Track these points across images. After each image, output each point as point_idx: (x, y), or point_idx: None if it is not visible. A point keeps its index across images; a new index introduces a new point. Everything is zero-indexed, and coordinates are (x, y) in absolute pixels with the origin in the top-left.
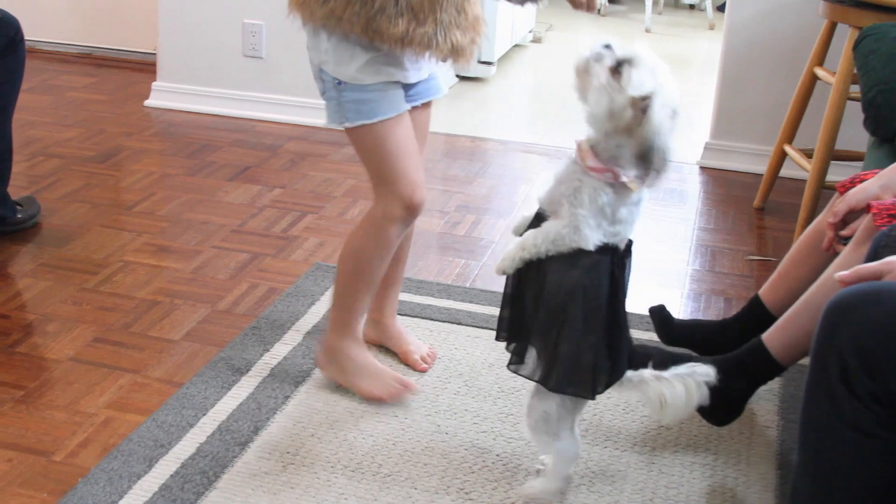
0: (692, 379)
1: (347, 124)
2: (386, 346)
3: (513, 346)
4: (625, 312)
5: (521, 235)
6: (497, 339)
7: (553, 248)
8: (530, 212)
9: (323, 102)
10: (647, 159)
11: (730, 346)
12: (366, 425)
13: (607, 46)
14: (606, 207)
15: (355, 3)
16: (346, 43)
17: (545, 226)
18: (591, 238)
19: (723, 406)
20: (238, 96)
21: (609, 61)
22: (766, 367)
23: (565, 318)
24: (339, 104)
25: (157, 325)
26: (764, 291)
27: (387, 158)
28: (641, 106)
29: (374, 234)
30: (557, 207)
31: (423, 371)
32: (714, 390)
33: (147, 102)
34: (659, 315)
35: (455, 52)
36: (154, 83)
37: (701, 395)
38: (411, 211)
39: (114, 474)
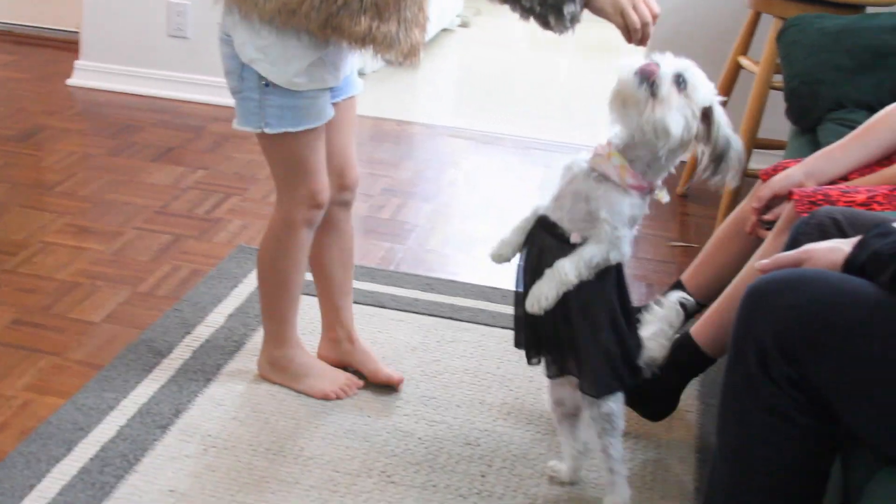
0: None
1: (268, 130)
2: (351, 368)
3: (544, 357)
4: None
5: (502, 255)
6: (526, 354)
7: (593, 272)
8: (509, 235)
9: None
10: (719, 163)
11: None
12: (288, 408)
13: (657, 64)
14: (637, 218)
15: None
16: (293, 41)
17: (584, 253)
18: (629, 251)
19: (656, 401)
20: (162, 76)
21: (668, 79)
22: (696, 360)
23: (595, 323)
24: (259, 107)
25: (77, 307)
26: (686, 277)
27: (297, 164)
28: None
29: (283, 242)
30: (584, 226)
31: (401, 381)
32: (647, 387)
33: (69, 81)
34: None
35: (412, 52)
36: (77, 62)
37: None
38: (317, 211)
39: (32, 458)
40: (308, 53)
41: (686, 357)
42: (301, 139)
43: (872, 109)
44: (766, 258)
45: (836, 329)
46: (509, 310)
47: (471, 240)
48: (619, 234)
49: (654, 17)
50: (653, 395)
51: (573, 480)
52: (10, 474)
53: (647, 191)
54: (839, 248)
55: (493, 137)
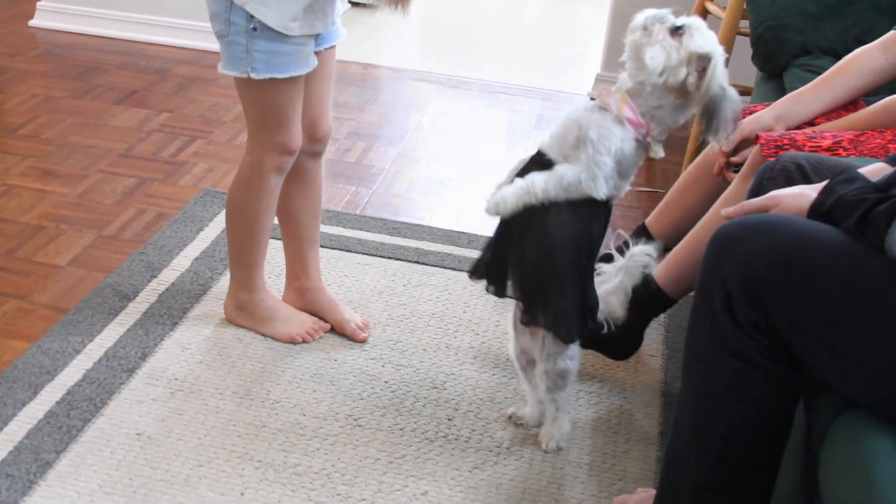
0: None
1: (254, 75)
2: (316, 316)
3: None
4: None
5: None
6: (473, 277)
7: (563, 194)
8: (503, 179)
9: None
10: (713, 115)
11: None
12: (254, 352)
13: (663, 15)
14: (625, 161)
15: None
16: None
17: (558, 170)
18: (604, 188)
19: (620, 341)
20: (126, 18)
21: (668, 23)
22: (657, 300)
23: (570, 268)
24: (246, 51)
25: (42, 251)
26: (650, 220)
27: (275, 111)
28: (699, 66)
29: (252, 186)
30: (570, 152)
31: (363, 341)
32: (609, 328)
33: (32, 22)
34: None
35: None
36: (39, 3)
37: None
38: (288, 157)
39: None
40: None
41: (647, 297)
42: (283, 86)
43: (838, 55)
44: (731, 201)
45: (801, 274)
46: (475, 254)
47: (437, 184)
48: (599, 158)
49: None
50: (615, 336)
51: (539, 423)
52: None
53: (643, 130)
54: (805, 194)
55: (459, 81)
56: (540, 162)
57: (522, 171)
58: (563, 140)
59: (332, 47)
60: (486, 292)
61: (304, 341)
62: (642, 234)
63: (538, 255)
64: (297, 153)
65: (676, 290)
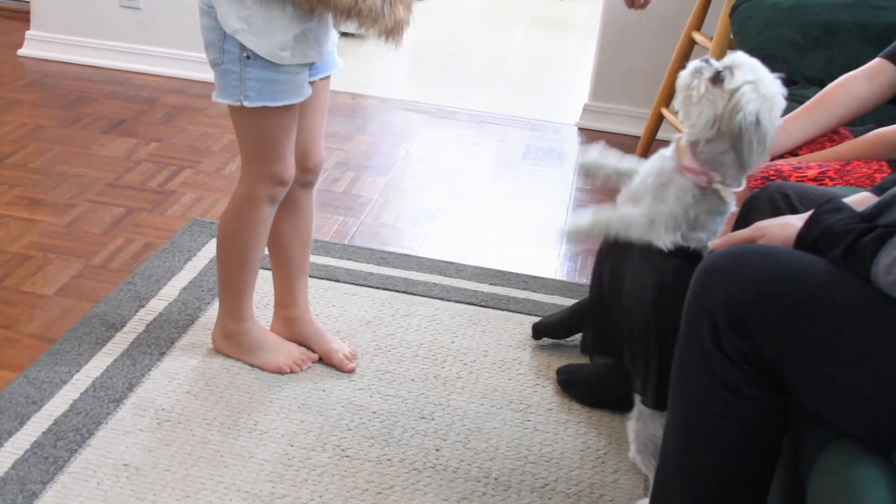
0: None
1: (247, 103)
2: (303, 346)
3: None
4: None
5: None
6: (586, 352)
7: (624, 232)
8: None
9: (200, 54)
10: (740, 145)
11: None
12: (242, 382)
13: (705, 61)
14: (690, 210)
15: None
16: (278, 11)
17: (623, 209)
18: (665, 237)
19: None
20: (114, 47)
21: (707, 73)
22: None
23: (656, 326)
24: (239, 80)
25: (29, 280)
26: None
27: (269, 141)
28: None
29: (245, 216)
30: (638, 199)
31: (351, 371)
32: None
33: (20, 52)
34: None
35: (396, 29)
36: (28, 32)
37: None
38: (281, 188)
39: None
40: (293, 26)
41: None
42: (277, 115)
43: (824, 85)
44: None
45: (787, 304)
46: (463, 284)
47: (425, 213)
48: (658, 208)
49: None
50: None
51: None
52: None
53: (703, 178)
54: (791, 223)
55: (447, 111)
56: None
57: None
58: (635, 190)
59: (327, 77)
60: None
61: (291, 371)
62: None
63: (618, 314)
64: (290, 184)
65: None
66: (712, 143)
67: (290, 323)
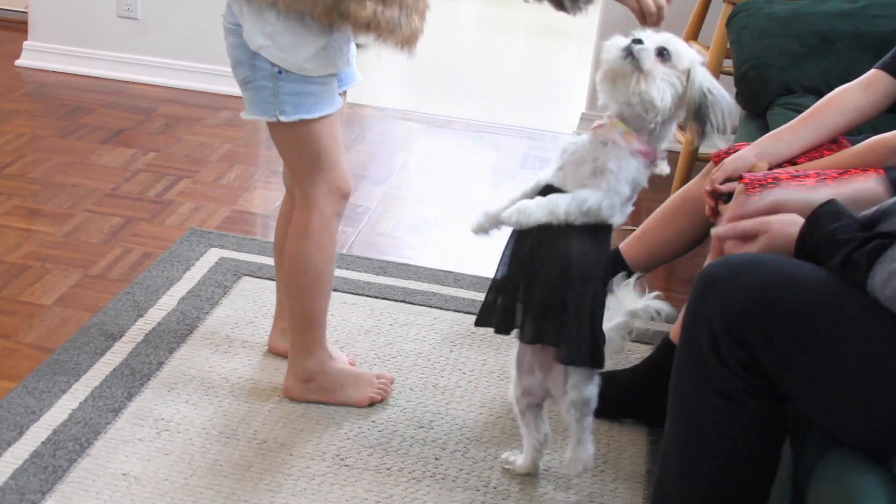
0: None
1: (284, 118)
2: None
3: (524, 324)
4: None
5: (482, 224)
6: (482, 324)
7: (581, 218)
8: (492, 206)
9: (201, 68)
10: (705, 119)
11: None
12: (241, 392)
13: (638, 41)
14: (637, 188)
15: None
16: (299, 26)
17: (580, 194)
18: (620, 215)
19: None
20: (112, 57)
21: (652, 53)
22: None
23: (593, 295)
24: (273, 95)
25: (27, 290)
26: (625, 246)
27: (319, 153)
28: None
29: (317, 240)
30: (588, 181)
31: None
32: (643, 397)
33: (18, 62)
34: None
35: (411, 38)
36: (25, 42)
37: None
38: (345, 201)
39: None
40: (316, 39)
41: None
42: (318, 127)
43: (821, 94)
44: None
45: (785, 313)
46: (462, 293)
47: (423, 223)
48: (619, 187)
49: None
50: (649, 403)
51: (531, 472)
52: None
53: (651, 158)
54: (796, 220)
55: (445, 120)
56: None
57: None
58: (576, 173)
59: (344, 92)
60: (494, 333)
61: (382, 400)
62: (615, 259)
63: (560, 282)
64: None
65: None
66: (629, 121)
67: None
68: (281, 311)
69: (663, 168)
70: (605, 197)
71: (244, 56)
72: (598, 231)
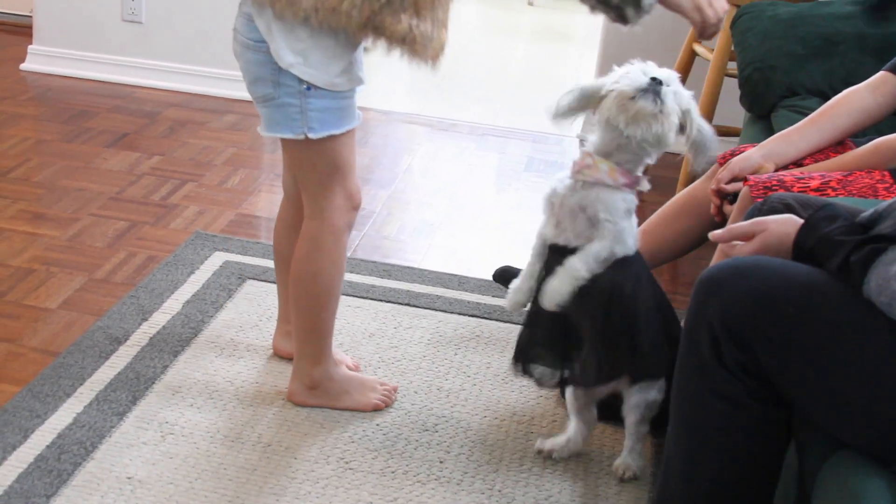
0: None
1: (312, 135)
2: None
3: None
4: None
5: (519, 301)
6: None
7: (604, 265)
8: (520, 282)
9: (207, 73)
10: (702, 151)
11: None
12: (245, 395)
13: (659, 82)
14: (633, 208)
15: None
16: (331, 41)
17: (588, 249)
18: (633, 245)
19: None
20: (117, 61)
21: (672, 96)
22: None
23: (636, 314)
24: (301, 112)
25: (32, 294)
26: None
27: (339, 169)
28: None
29: (330, 252)
30: (589, 233)
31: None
32: None
33: (23, 66)
34: (503, 276)
35: (439, 52)
36: (30, 46)
37: None
38: (356, 213)
39: None
40: (345, 54)
41: None
42: (343, 141)
43: (825, 96)
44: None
45: (786, 316)
46: (466, 296)
47: (427, 226)
48: (619, 227)
49: (725, 12)
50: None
51: (570, 455)
52: None
53: (635, 184)
54: (792, 220)
55: (449, 124)
56: (563, 251)
57: (548, 265)
58: (574, 225)
59: None
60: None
61: (386, 406)
62: None
63: (600, 321)
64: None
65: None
66: (619, 152)
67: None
68: (284, 313)
69: (644, 185)
70: (614, 242)
71: (267, 73)
72: (617, 263)
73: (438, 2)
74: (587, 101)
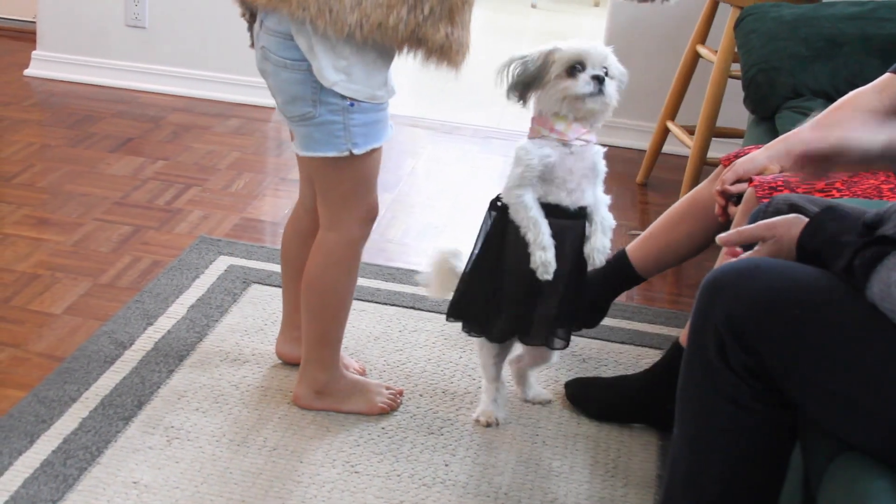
0: None
1: (356, 151)
2: None
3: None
4: None
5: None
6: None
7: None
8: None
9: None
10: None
11: (592, 299)
12: (251, 399)
13: (601, 78)
14: None
15: (400, 7)
16: (374, 55)
17: (603, 199)
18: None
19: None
20: (120, 66)
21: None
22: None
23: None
24: (344, 129)
25: (37, 299)
26: (631, 248)
27: (367, 182)
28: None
29: (345, 263)
30: (585, 185)
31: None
32: (653, 402)
33: (27, 72)
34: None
35: (466, 56)
36: (34, 52)
37: None
38: (373, 224)
39: None
40: (385, 65)
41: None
42: (378, 153)
43: (829, 97)
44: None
45: (791, 318)
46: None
47: (432, 229)
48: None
49: None
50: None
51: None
52: None
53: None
54: (801, 220)
55: (453, 126)
56: (576, 214)
57: (560, 232)
58: (577, 188)
59: None
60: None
61: (391, 409)
62: (621, 261)
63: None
64: None
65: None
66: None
67: (299, 343)
68: (288, 318)
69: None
70: (604, 194)
71: (307, 92)
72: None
73: (467, 4)
74: (531, 81)
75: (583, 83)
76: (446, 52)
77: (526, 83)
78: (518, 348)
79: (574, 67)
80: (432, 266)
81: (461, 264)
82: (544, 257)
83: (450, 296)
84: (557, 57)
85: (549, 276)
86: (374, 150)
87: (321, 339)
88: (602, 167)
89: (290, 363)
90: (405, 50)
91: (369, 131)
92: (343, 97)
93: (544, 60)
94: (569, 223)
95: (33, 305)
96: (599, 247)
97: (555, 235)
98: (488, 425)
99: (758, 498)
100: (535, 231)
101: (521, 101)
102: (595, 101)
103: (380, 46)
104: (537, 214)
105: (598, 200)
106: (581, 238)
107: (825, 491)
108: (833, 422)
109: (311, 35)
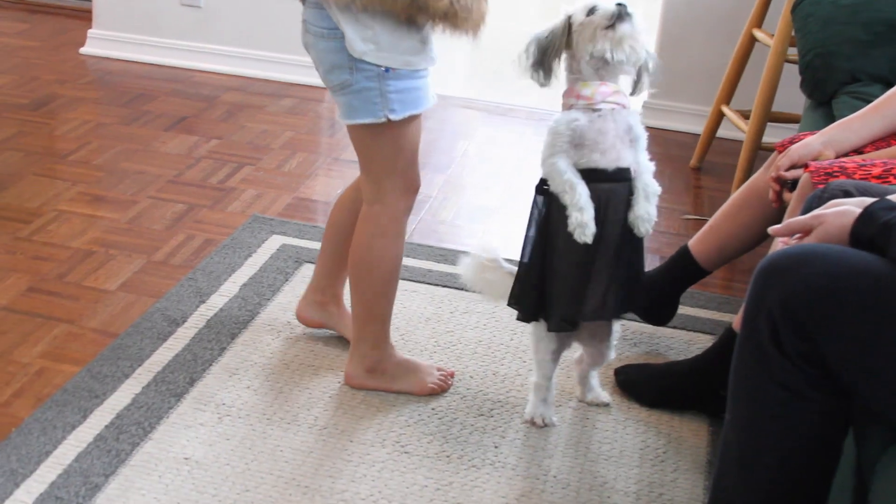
0: None
1: (393, 117)
2: (335, 332)
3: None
4: None
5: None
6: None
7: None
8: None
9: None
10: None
11: (659, 296)
12: (301, 378)
13: (621, 4)
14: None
15: None
16: (394, 23)
17: (647, 166)
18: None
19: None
20: (175, 45)
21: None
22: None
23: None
24: (381, 95)
25: (92, 276)
26: (693, 244)
27: (408, 151)
28: None
29: (391, 236)
30: (623, 149)
31: None
32: (705, 388)
33: (82, 50)
34: None
35: (479, 23)
36: (90, 31)
37: None
38: (415, 196)
39: (48, 424)
40: (412, 31)
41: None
42: (417, 122)
43: (888, 83)
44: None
45: (845, 304)
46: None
47: (483, 211)
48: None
49: None
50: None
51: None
52: (27, 441)
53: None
54: (849, 211)
55: (506, 108)
56: (617, 176)
57: (603, 196)
58: (612, 148)
59: None
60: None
61: (442, 390)
62: (684, 257)
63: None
64: None
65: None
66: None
67: (324, 308)
68: (320, 284)
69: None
70: (649, 161)
71: (343, 60)
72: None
73: None
74: (551, 48)
75: (604, 10)
76: (451, 19)
77: (548, 53)
78: (577, 349)
79: (592, 10)
80: (472, 279)
81: (501, 261)
82: (581, 218)
83: (502, 299)
84: (573, 12)
85: (588, 239)
86: (412, 119)
87: (369, 315)
88: (640, 131)
89: (310, 328)
90: (413, 18)
91: (406, 98)
92: (377, 64)
93: (563, 24)
94: (609, 187)
95: (88, 282)
96: (643, 214)
97: (597, 201)
98: (545, 425)
99: (810, 484)
100: (571, 193)
101: (546, 77)
102: (623, 25)
103: (387, 15)
104: (572, 177)
105: (641, 166)
106: (626, 203)
107: (879, 479)
108: (889, 409)
109: (333, 9)
